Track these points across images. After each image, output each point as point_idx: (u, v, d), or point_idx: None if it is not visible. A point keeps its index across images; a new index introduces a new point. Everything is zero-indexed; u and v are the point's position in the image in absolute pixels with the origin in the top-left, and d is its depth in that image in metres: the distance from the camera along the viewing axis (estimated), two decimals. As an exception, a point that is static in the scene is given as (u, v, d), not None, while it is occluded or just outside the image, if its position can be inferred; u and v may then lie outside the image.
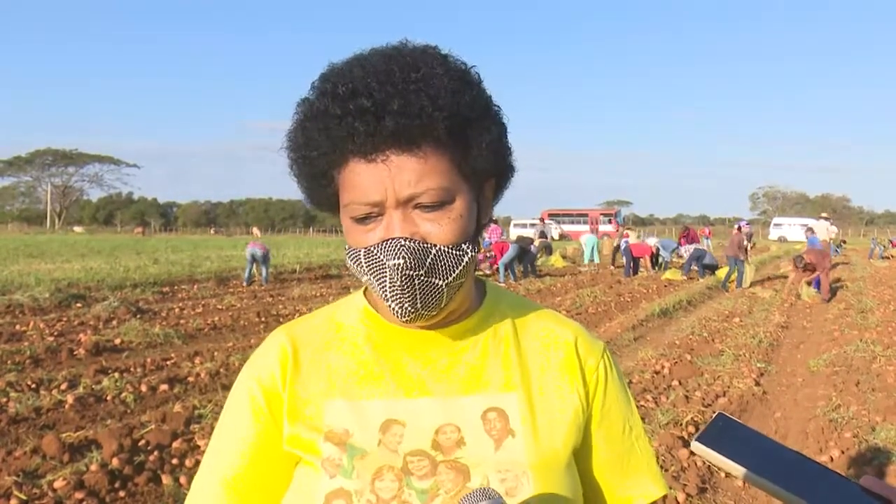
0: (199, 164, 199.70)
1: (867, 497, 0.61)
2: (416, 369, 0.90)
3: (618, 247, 21.43)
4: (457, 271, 0.84)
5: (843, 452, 4.75)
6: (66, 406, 5.43)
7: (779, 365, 7.78)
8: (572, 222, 52.39)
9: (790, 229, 50.03)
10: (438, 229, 0.82)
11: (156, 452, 4.41)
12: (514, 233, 34.13)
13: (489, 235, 19.26)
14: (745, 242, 16.02)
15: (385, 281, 0.82)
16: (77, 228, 71.54)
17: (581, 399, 0.93)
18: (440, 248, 0.82)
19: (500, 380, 0.91)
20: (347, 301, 0.99)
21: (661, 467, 4.29)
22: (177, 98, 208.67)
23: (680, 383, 6.54)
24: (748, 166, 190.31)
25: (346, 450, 0.84)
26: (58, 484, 3.88)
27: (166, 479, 4.10)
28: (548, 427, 0.89)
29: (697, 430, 5.04)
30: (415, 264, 0.80)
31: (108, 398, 5.70)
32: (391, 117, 0.78)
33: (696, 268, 17.51)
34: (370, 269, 0.83)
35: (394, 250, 0.80)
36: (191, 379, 6.34)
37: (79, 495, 3.78)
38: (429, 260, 0.81)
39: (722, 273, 15.93)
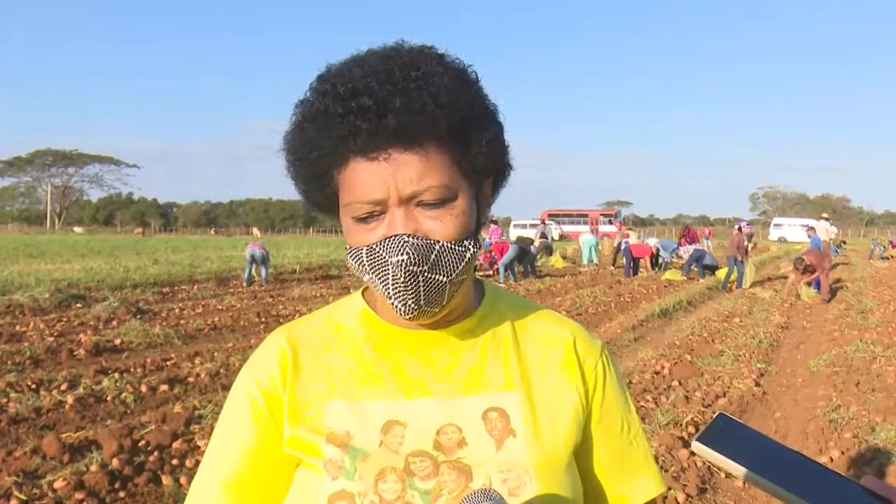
0: (199, 165, 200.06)
1: (868, 497, 0.61)
2: (416, 370, 0.90)
3: (619, 247, 21.44)
4: (459, 267, 0.84)
5: (843, 453, 4.75)
6: (66, 406, 5.43)
7: (779, 365, 7.78)
8: (572, 223, 52.42)
9: (790, 230, 50.00)
10: (441, 226, 0.82)
11: (156, 453, 4.41)
12: (513, 233, 34.12)
13: (489, 236, 19.27)
14: (745, 243, 16.02)
15: (388, 278, 0.82)
16: (77, 229, 71.54)
17: (581, 397, 0.93)
18: (443, 245, 0.82)
19: (501, 379, 0.91)
20: (345, 302, 0.99)
21: (661, 468, 4.30)
22: (177, 98, 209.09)
23: (680, 384, 6.54)
24: (748, 166, 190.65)
25: (348, 451, 0.84)
26: (58, 484, 3.88)
27: (166, 480, 4.09)
28: (549, 426, 0.89)
29: (697, 430, 5.04)
30: (418, 260, 0.80)
31: (108, 398, 5.70)
32: (393, 115, 0.78)
33: (696, 268, 17.52)
34: (372, 268, 0.83)
35: (397, 247, 0.80)
36: (191, 379, 6.34)
37: (79, 496, 3.78)
38: (432, 256, 0.81)
39: (722, 273, 15.93)
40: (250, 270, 15.29)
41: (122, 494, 3.91)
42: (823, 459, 4.58)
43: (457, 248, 0.83)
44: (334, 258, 22.00)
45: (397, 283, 0.81)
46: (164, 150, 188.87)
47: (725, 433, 0.66)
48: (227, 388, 5.92)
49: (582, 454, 0.94)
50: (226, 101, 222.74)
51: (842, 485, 0.62)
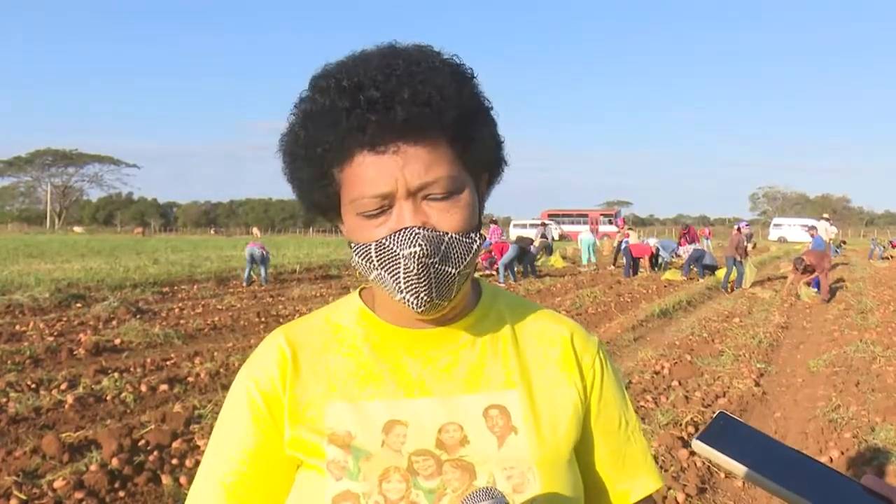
0: (199, 165, 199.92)
1: (868, 496, 0.61)
2: (416, 369, 0.90)
3: (619, 246, 21.44)
4: (468, 259, 0.84)
5: (842, 453, 4.76)
6: (66, 406, 5.43)
7: (778, 365, 7.78)
8: (572, 223, 52.40)
9: (790, 230, 49.99)
10: (449, 218, 0.83)
11: (155, 452, 4.41)
12: (513, 233, 34.12)
13: (489, 236, 19.26)
14: (745, 243, 16.03)
15: (399, 272, 0.81)
16: (77, 228, 71.56)
17: (579, 393, 0.94)
18: (452, 236, 0.83)
19: (500, 377, 0.91)
20: (343, 303, 0.99)
21: (661, 468, 4.30)
22: (177, 98, 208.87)
23: (680, 384, 6.54)
24: (748, 166, 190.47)
25: (350, 452, 0.84)
26: (57, 484, 3.88)
27: (166, 480, 4.09)
28: (549, 422, 0.90)
29: (697, 430, 5.04)
30: (431, 251, 0.80)
31: (108, 398, 5.70)
32: (402, 107, 0.78)
33: (696, 268, 17.53)
34: (381, 263, 0.82)
35: (409, 239, 0.80)
36: (191, 379, 6.34)
37: (78, 495, 3.78)
38: (443, 247, 0.82)
39: (721, 274, 15.94)
40: (250, 270, 15.30)
41: (121, 494, 3.91)
42: (823, 459, 4.58)
43: (464, 239, 0.84)
44: (334, 258, 21.99)
45: (409, 275, 0.81)
46: (164, 150, 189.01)
47: (726, 432, 0.66)
48: (226, 387, 5.91)
49: (582, 450, 0.94)
50: (226, 101, 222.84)
51: (842, 484, 0.62)
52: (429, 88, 0.80)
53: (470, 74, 0.87)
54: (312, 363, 0.91)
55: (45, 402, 5.44)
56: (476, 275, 0.98)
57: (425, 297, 0.82)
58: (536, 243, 20.85)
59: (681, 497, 3.95)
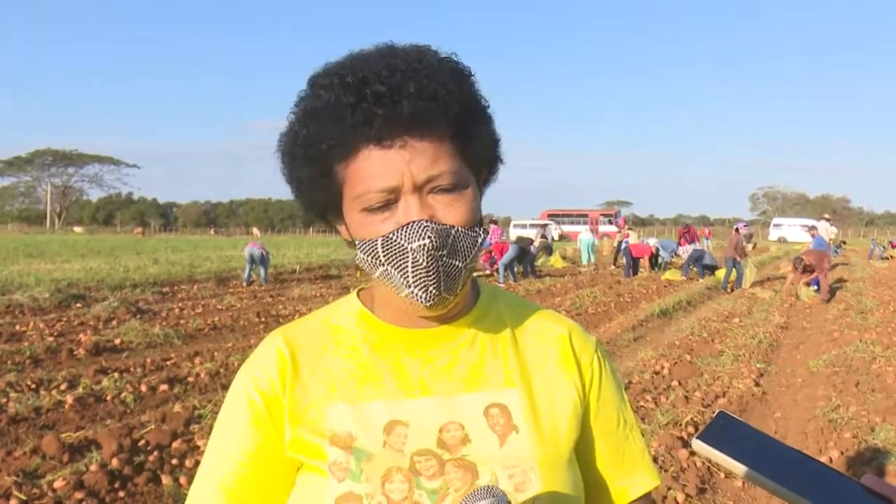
0: (199, 165, 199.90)
1: (868, 496, 0.61)
2: (416, 369, 0.90)
3: (619, 246, 21.44)
4: (473, 252, 0.84)
5: (842, 453, 4.76)
6: (66, 406, 5.43)
7: (778, 365, 7.78)
8: (572, 223, 52.39)
9: (790, 230, 49.98)
10: (454, 211, 0.83)
11: (155, 453, 4.41)
12: (513, 233, 34.11)
13: (489, 236, 19.26)
14: (744, 243, 16.04)
15: (407, 266, 0.81)
16: (77, 228, 71.53)
17: (578, 391, 0.94)
18: (458, 230, 0.83)
19: (500, 376, 0.91)
20: (341, 304, 0.98)
21: (661, 468, 4.30)
22: (177, 98, 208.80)
23: (679, 384, 6.54)
24: (748, 166, 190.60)
25: (352, 453, 0.84)
26: (57, 484, 3.88)
27: (166, 480, 4.09)
28: (550, 421, 0.90)
29: (697, 430, 5.04)
30: (440, 244, 0.80)
31: (108, 398, 5.70)
32: (408, 101, 0.79)
33: (695, 268, 17.54)
34: (388, 258, 0.82)
35: (418, 232, 0.80)
36: (191, 379, 6.34)
37: (78, 495, 3.78)
38: (450, 240, 0.82)
39: (721, 274, 15.95)
40: (250, 270, 15.30)
41: (121, 494, 3.91)
42: (823, 459, 4.57)
43: (470, 233, 0.84)
44: (334, 258, 21.98)
45: (419, 269, 0.81)
46: (164, 150, 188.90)
47: (726, 431, 0.66)
48: (226, 387, 5.90)
49: (581, 449, 0.94)
50: (226, 101, 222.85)
51: (842, 483, 0.62)
52: (433, 83, 0.80)
53: (468, 72, 0.88)
54: (312, 365, 0.90)
55: (45, 403, 5.44)
56: (476, 275, 0.98)
57: (434, 291, 0.82)
58: (536, 243, 20.85)
59: (681, 497, 3.95)
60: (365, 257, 0.85)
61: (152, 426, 4.82)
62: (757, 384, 6.69)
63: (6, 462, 4.16)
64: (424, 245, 0.79)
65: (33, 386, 5.95)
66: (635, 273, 18.49)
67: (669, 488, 4.03)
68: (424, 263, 0.80)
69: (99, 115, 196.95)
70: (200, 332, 9.06)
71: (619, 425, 0.98)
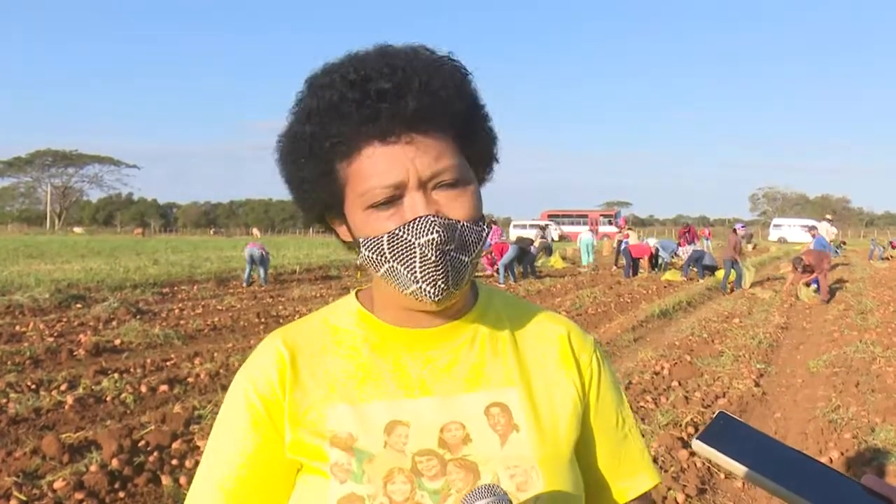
0: (199, 165, 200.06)
1: (868, 496, 0.61)
2: (416, 369, 0.89)
3: (619, 247, 21.43)
4: (479, 247, 0.85)
5: (842, 453, 4.76)
6: (66, 407, 5.42)
7: (778, 366, 7.78)
8: (572, 223, 52.41)
9: (790, 230, 50.00)
10: (458, 206, 0.83)
11: (155, 453, 4.41)
12: (513, 233, 34.11)
13: (489, 236, 19.24)
14: (742, 244, 16.05)
15: (415, 261, 0.81)
16: (77, 229, 71.53)
17: (578, 391, 0.94)
18: (464, 224, 0.83)
19: (500, 376, 0.91)
20: (341, 304, 0.98)
21: (661, 468, 4.30)
22: (177, 98, 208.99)
23: (680, 384, 6.54)
24: (748, 166, 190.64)
25: (353, 454, 0.83)
26: (57, 484, 3.88)
27: (166, 480, 4.09)
28: (550, 420, 0.90)
29: (697, 430, 5.03)
30: (447, 238, 0.80)
31: (108, 399, 5.70)
32: (413, 97, 0.79)
33: (695, 269, 17.54)
34: (395, 255, 0.82)
35: (426, 226, 0.80)
36: (190, 380, 6.34)
37: (78, 496, 3.78)
38: (457, 234, 0.82)
39: (721, 274, 15.96)
40: (250, 271, 15.29)
41: (121, 495, 3.91)
42: (823, 460, 4.57)
43: (475, 227, 0.84)
44: (334, 258, 21.97)
45: (427, 263, 0.80)
46: (164, 151, 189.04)
47: (726, 432, 0.66)
48: (226, 388, 5.89)
49: (581, 448, 0.94)
50: (226, 101, 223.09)
51: (843, 484, 0.62)
52: (436, 81, 0.81)
53: (466, 71, 0.88)
54: (311, 366, 0.90)
55: (45, 403, 5.44)
56: (477, 275, 0.98)
57: (442, 286, 0.81)
58: (536, 244, 20.84)
59: (681, 497, 3.95)
60: (369, 254, 0.84)
61: (152, 427, 4.82)
62: (757, 384, 6.69)
63: (6, 462, 4.16)
64: (433, 240, 0.79)
65: (33, 386, 5.95)
66: (635, 273, 18.49)
67: (669, 489, 4.03)
68: (433, 258, 0.80)
69: (99, 115, 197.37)
70: (200, 333, 9.06)
71: (619, 424, 0.98)
